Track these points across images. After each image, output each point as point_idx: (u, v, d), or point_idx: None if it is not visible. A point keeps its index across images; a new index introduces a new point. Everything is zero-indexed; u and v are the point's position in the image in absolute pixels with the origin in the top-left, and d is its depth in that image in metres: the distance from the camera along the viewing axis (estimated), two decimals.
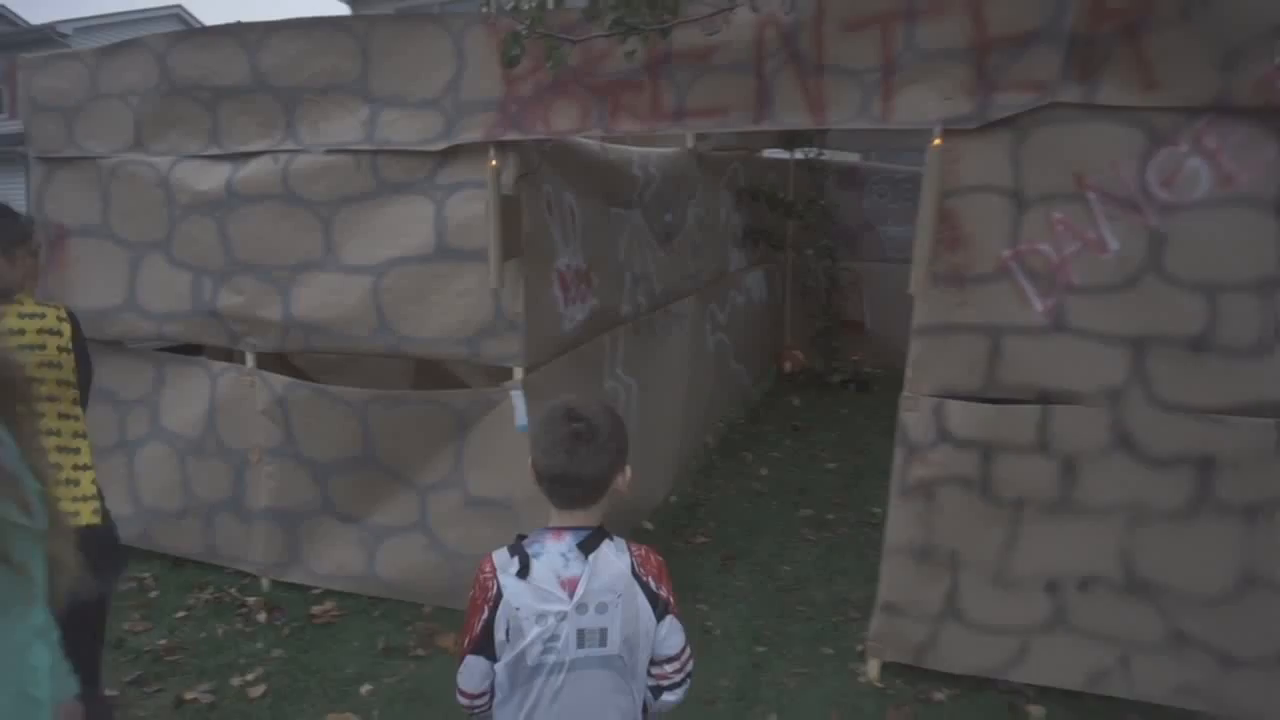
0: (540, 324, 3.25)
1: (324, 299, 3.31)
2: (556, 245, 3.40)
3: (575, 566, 1.52)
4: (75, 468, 2.11)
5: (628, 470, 1.59)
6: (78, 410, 2.15)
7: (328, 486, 3.43)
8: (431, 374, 4.33)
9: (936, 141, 2.45)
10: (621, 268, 4.07)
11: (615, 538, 1.61)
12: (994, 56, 2.42)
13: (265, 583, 3.56)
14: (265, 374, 3.46)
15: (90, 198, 3.66)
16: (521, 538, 1.58)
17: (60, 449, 2.10)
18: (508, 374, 3.18)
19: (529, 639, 1.50)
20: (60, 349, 2.08)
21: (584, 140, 3.70)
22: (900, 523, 2.76)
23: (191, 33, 3.42)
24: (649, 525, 4.19)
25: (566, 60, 2.59)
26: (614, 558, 1.55)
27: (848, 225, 7.30)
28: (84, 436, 2.16)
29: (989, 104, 2.45)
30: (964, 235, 2.54)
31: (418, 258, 3.18)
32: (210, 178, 3.41)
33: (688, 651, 1.61)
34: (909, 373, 2.71)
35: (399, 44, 3.09)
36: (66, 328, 2.10)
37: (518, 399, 3.13)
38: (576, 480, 1.54)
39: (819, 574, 3.71)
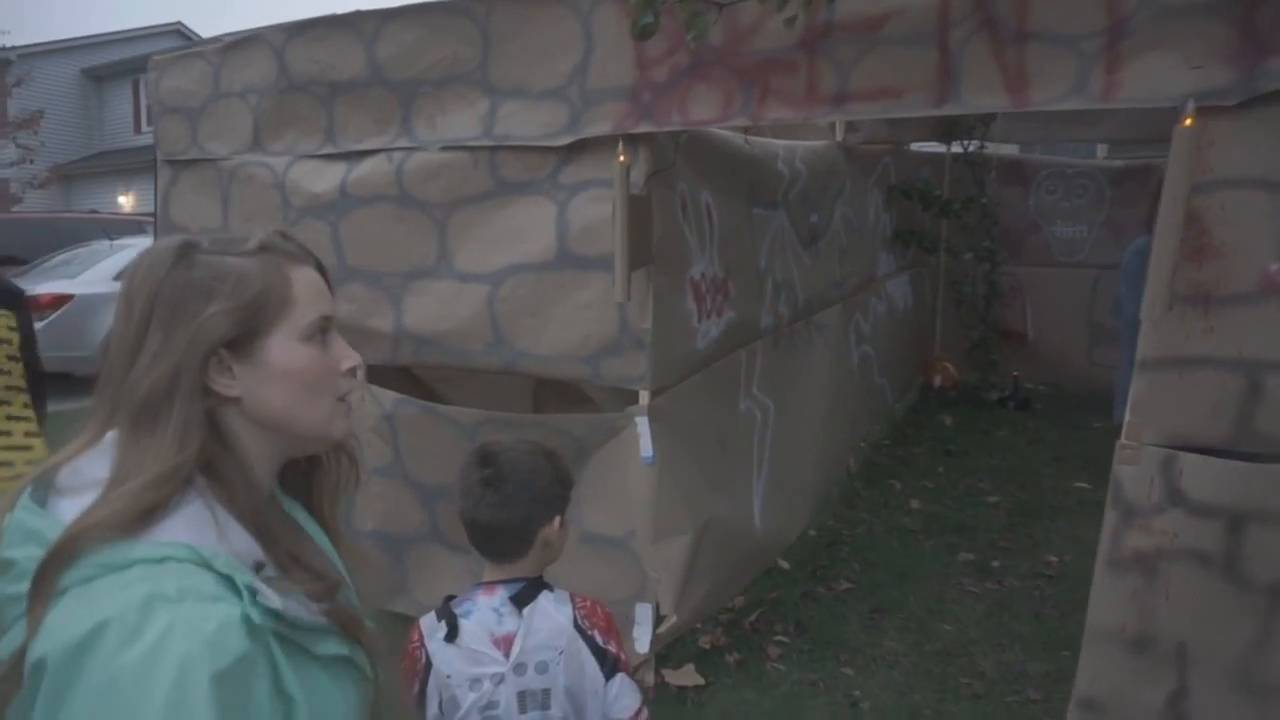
0: (670, 341, 2.87)
1: (437, 309, 3.05)
2: (691, 251, 3.01)
3: (509, 622, 1.42)
4: (26, 463, 2.30)
5: (557, 521, 1.48)
6: (29, 412, 2.37)
7: (435, 512, 3.17)
8: (560, 393, 4.03)
9: (1187, 121, 1.90)
10: (762, 275, 3.64)
11: (556, 589, 1.49)
12: (1265, 10, 1.86)
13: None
14: (375, 388, 3.24)
15: (212, 200, 3.55)
16: (450, 598, 1.49)
17: (11, 448, 2.30)
18: (634, 397, 2.82)
19: (464, 709, 1.38)
20: (9, 357, 2.30)
21: (724, 132, 3.30)
22: (1109, 601, 2.21)
23: (310, 23, 3.23)
24: (785, 564, 3.74)
25: (709, 32, 2.19)
26: (554, 611, 1.44)
27: (1011, 226, 6.57)
28: (38, 435, 2.38)
29: (1257, 73, 1.88)
30: (1215, 243, 1.98)
31: (537, 265, 2.86)
32: (325, 178, 3.21)
33: (644, 714, 1.46)
34: (1129, 416, 2.16)
35: (521, 26, 2.78)
36: (15, 336, 2.31)
37: (643, 426, 2.76)
38: (488, 529, 1.46)
39: (986, 637, 3.17)
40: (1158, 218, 2.02)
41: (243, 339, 0.82)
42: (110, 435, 0.79)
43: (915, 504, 4.44)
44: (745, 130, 3.48)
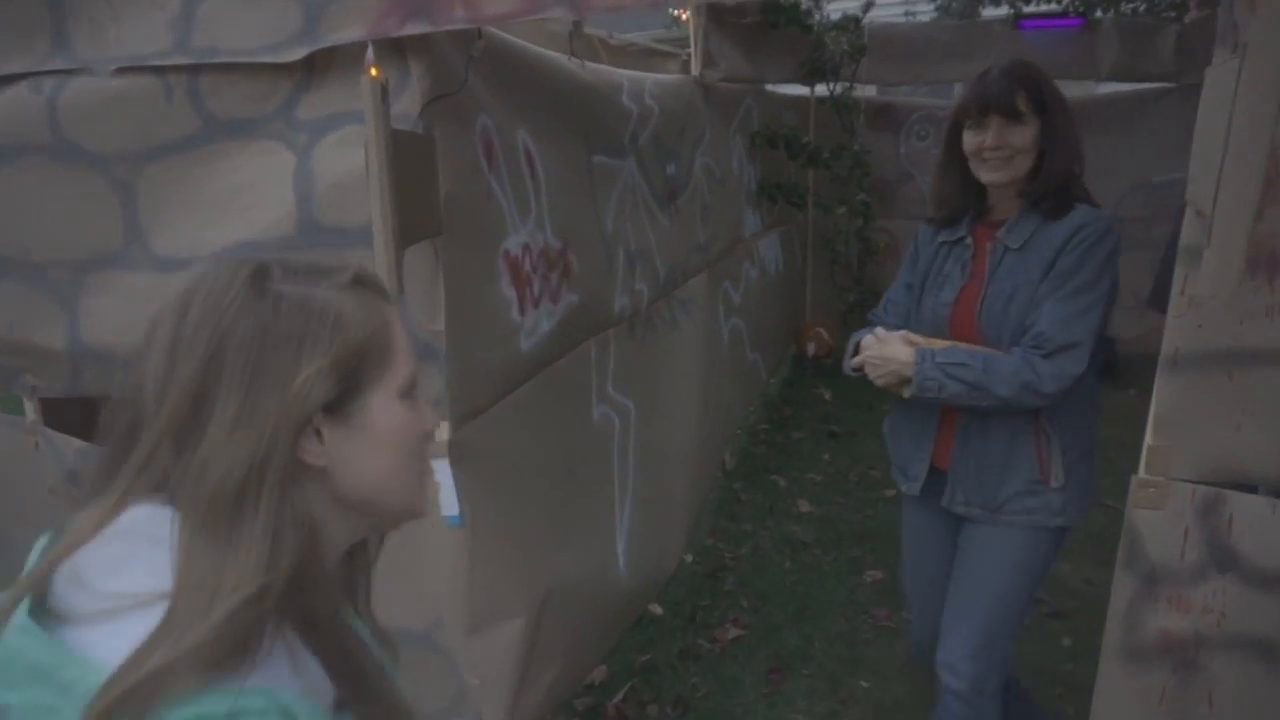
0: (477, 345, 1.99)
1: (130, 314, 2.03)
2: (505, 214, 2.12)
3: None
4: None
5: None
6: None
7: None
8: None
9: None
10: (611, 243, 2.80)
11: None
12: None
13: None
14: (51, 434, 2.21)
15: None
16: None
17: None
18: None
19: None
20: None
21: (546, 52, 2.42)
22: (1123, 709, 1.54)
23: None
24: (658, 609, 2.97)
25: None
26: None
27: (882, 176, 6.01)
28: None
29: None
30: None
31: (272, 242, 1.90)
32: None
33: None
34: (1149, 439, 1.46)
35: None
36: None
37: (443, 474, 1.88)
38: None
39: (913, 696, 2.50)
40: (1201, 143, 1.32)
41: (341, 398, 0.66)
42: (127, 520, 0.60)
43: (804, 506, 3.77)
44: (570, 48, 2.62)
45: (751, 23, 4.66)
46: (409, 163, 1.71)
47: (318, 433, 0.65)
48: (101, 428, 0.65)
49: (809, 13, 5.14)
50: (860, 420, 4.88)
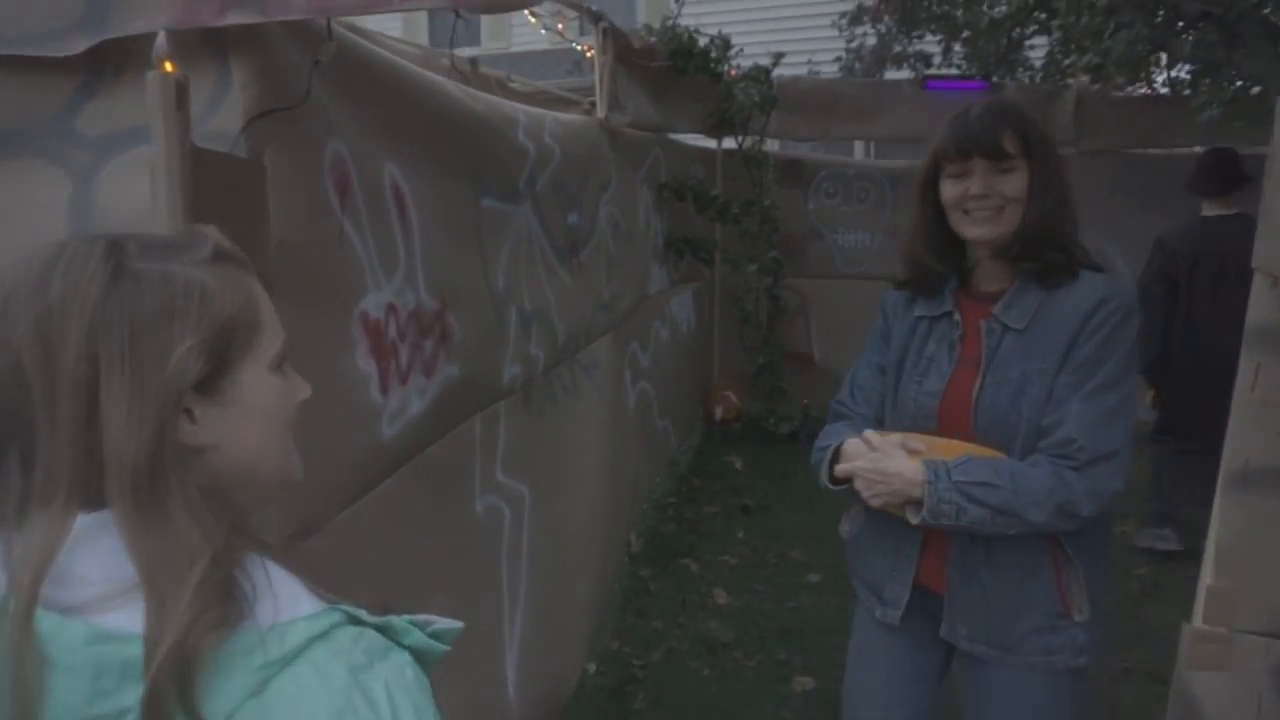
0: (322, 437, 1.52)
1: None
2: (363, 266, 1.67)
3: None
4: None
5: None
6: None
7: None
8: None
9: None
10: (502, 302, 2.37)
11: None
12: None
13: None
14: None
15: None
16: None
17: None
18: None
19: None
20: None
21: (423, 71, 2.00)
22: None
23: None
24: None
25: None
26: None
27: (790, 233, 5.79)
28: None
29: None
30: None
31: None
32: None
33: None
34: (1209, 577, 1.12)
35: None
36: None
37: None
38: None
39: None
40: (1273, 196, 1.01)
41: (211, 375, 0.65)
42: (92, 520, 0.60)
43: (721, 596, 3.36)
44: (462, 75, 2.21)
45: (660, 67, 4.38)
46: (220, 194, 1.24)
47: (188, 412, 0.64)
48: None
49: (718, 61, 4.91)
50: (775, 492, 4.53)
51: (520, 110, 2.62)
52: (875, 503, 1.44)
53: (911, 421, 1.51)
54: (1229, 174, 3.72)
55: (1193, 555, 2.81)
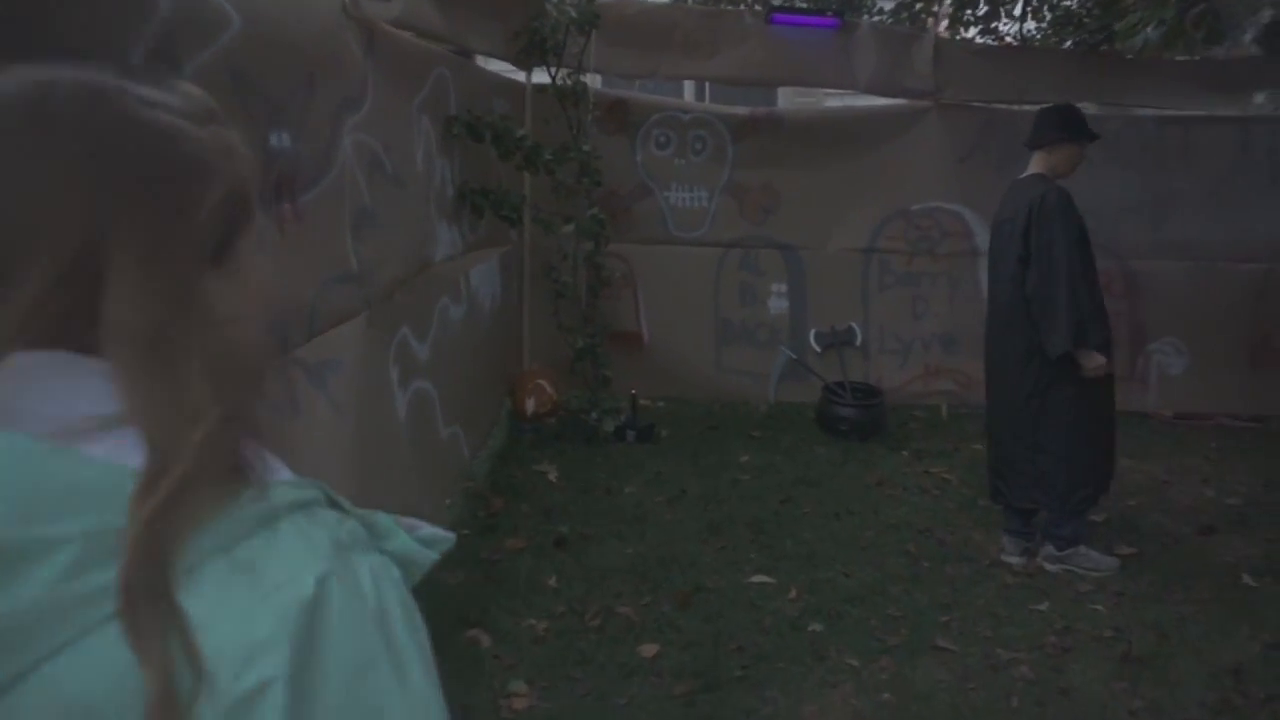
0: None
1: None
2: None
3: None
4: None
5: None
6: None
7: None
8: None
9: None
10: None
11: None
12: None
13: None
14: None
15: None
16: None
17: None
18: None
19: None
20: None
21: None
22: None
23: None
24: None
25: None
26: None
27: (614, 189, 4.84)
28: None
29: None
30: None
31: None
32: None
33: None
34: None
35: None
36: None
37: None
38: None
39: None
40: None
41: (221, 244, 0.60)
42: (22, 361, 0.52)
43: (520, 694, 2.37)
44: None
45: None
46: None
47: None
48: None
49: None
50: (597, 515, 3.60)
51: None
52: None
53: None
54: (1039, 131, 3.20)
55: None
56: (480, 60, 4.27)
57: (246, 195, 0.62)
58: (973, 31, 6.05)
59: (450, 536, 0.63)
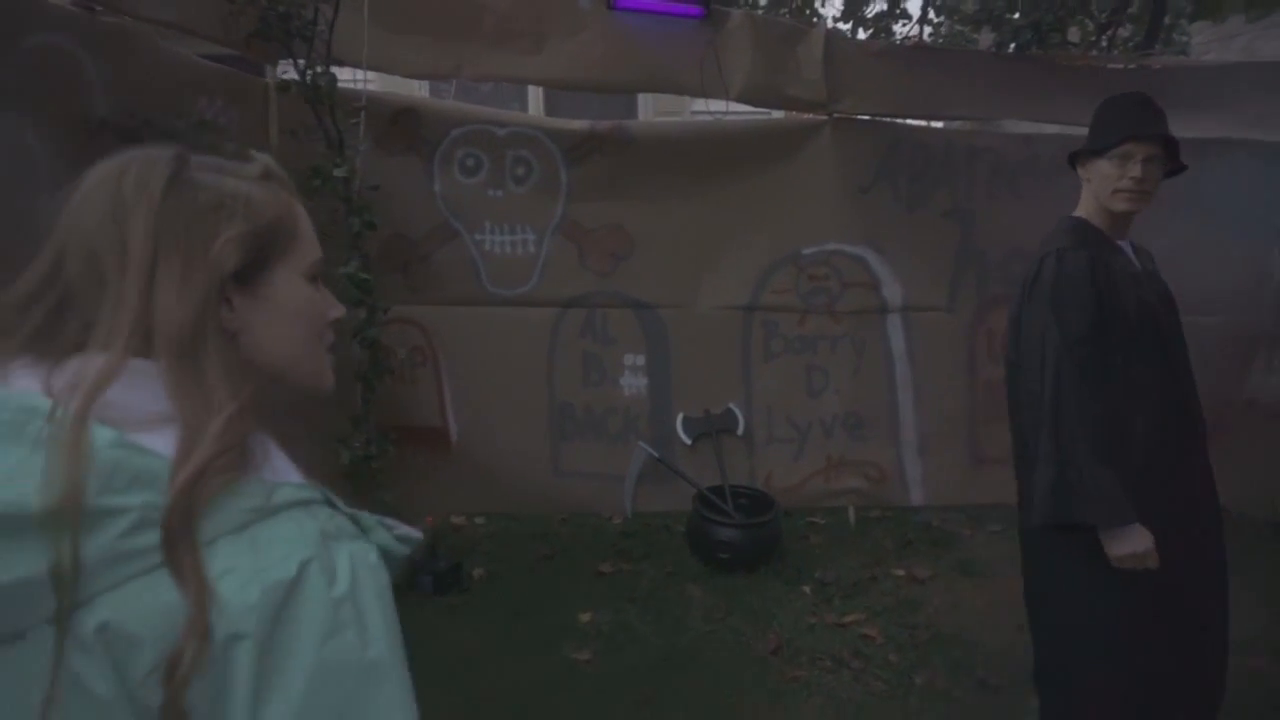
0: None
1: None
2: None
3: None
4: None
5: None
6: None
7: None
8: None
9: None
10: None
11: None
12: None
13: None
14: None
15: None
16: None
17: None
18: None
19: None
20: None
21: None
22: None
23: None
24: None
25: None
26: None
27: (403, 229, 3.49)
28: None
29: None
30: None
31: None
32: None
33: None
34: None
35: None
36: None
37: None
38: None
39: None
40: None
41: (249, 269, 0.76)
42: (139, 365, 0.70)
43: None
44: None
45: None
46: None
47: (228, 301, 0.74)
48: (23, 278, 0.72)
49: None
50: None
51: None
52: None
53: None
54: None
55: None
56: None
57: (281, 233, 0.77)
58: (862, 34, 5.11)
59: (419, 536, 0.75)
